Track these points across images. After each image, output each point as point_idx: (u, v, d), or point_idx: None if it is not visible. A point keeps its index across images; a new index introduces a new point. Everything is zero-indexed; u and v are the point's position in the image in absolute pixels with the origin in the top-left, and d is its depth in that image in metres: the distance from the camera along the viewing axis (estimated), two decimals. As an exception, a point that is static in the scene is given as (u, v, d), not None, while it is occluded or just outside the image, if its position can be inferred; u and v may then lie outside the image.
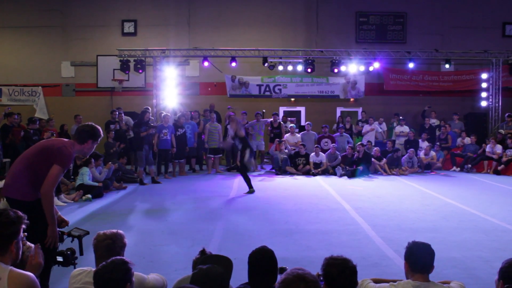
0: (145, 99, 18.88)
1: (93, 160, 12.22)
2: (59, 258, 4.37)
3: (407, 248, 3.83)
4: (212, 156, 16.72)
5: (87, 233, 4.75)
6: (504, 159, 16.86)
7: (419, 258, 3.74)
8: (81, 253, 4.63)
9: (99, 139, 5.28)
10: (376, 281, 4.14)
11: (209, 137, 16.57)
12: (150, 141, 14.27)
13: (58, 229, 4.82)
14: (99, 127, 5.21)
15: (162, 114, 15.52)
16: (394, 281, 3.93)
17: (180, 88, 19.25)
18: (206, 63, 18.60)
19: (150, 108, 15.54)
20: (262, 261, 3.78)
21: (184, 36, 20.50)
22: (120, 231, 4.02)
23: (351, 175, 15.69)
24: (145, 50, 18.66)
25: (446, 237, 8.30)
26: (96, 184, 12.05)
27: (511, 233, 8.61)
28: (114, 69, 19.50)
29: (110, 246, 3.81)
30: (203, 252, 4.09)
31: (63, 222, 5.12)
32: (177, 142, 15.41)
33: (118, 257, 3.30)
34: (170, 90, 18.72)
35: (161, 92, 18.67)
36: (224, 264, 3.64)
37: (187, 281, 3.47)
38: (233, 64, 18.51)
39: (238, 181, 14.61)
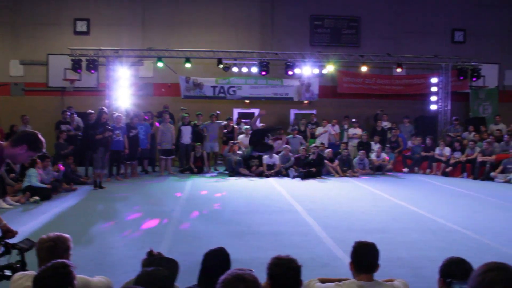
0: (97, 99, 18.54)
1: (39, 161, 11.92)
2: (7, 272, 4.07)
3: (352, 248, 3.88)
4: (164, 157, 16.56)
5: (33, 245, 4.34)
6: (452, 161, 17.31)
7: (363, 257, 3.79)
8: (23, 268, 4.23)
9: (37, 152, 4.59)
10: (323, 281, 4.17)
11: (161, 138, 16.42)
12: (106, 144, 13.72)
13: (5, 240, 4.43)
14: (43, 140, 4.52)
15: (115, 115, 15.28)
16: (340, 280, 3.97)
17: (134, 88, 18.98)
18: (160, 64, 18.44)
19: (105, 109, 15.17)
20: (217, 262, 3.77)
21: (138, 36, 20.28)
22: (65, 234, 3.92)
23: (304, 176, 15.80)
24: (98, 50, 18.35)
25: (395, 237, 8.45)
26: (45, 186, 11.77)
27: (457, 233, 8.84)
28: (65, 69, 19.05)
29: (51, 249, 3.71)
30: (150, 253, 4.03)
31: (9, 232, 4.45)
32: (130, 143, 15.21)
33: (59, 260, 3.21)
34: (123, 90, 18.47)
35: (114, 93, 18.37)
36: (169, 266, 3.61)
37: (133, 283, 3.42)
38: (188, 65, 18.40)
39: (190, 183, 14.53)
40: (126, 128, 15.15)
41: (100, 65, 18.66)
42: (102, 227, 9.08)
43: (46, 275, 3.00)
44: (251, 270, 2.65)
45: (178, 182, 14.94)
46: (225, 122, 17.89)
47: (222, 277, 2.46)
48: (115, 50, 18.48)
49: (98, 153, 13.34)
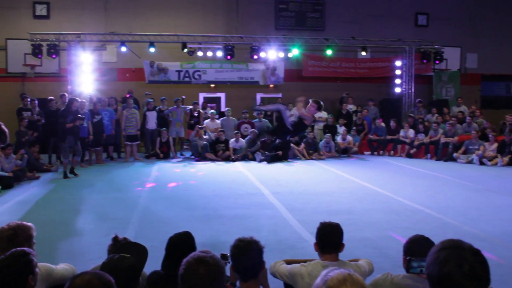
0: (59, 85, 18.14)
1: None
2: None
3: (317, 229, 3.91)
4: (130, 143, 16.37)
5: None
6: (416, 143, 17.58)
7: (327, 238, 3.82)
8: None
9: (1, 143, 4.45)
10: (289, 262, 4.19)
11: (126, 123, 16.23)
12: (77, 132, 13.21)
13: None
14: (7, 131, 4.38)
15: (78, 101, 14.98)
16: (305, 261, 4.00)
17: (97, 74, 18.64)
18: (123, 48, 18.17)
19: (66, 95, 14.83)
20: (181, 246, 3.74)
21: (101, 20, 19.86)
22: (27, 223, 3.84)
23: (271, 160, 15.85)
24: (59, 34, 17.93)
25: (360, 218, 8.57)
26: (6, 174, 11.52)
27: (421, 212, 9.01)
28: (25, 54, 18.55)
29: (11, 238, 3.63)
30: (115, 239, 3.98)
31: None
32: (94, 129, 14.99)
33: (19, 248, 3.15)
34: (86, 76, 18.11)
35: (76, 78, 18.00)
36: (137, 253, 3.56)
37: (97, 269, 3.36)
38: (152, 49, 18.18)
39: (156, 168, 14.42)
40: (89, 114, 14.91)
41: (62, 50, 18.25)
42: (67, 215, 8.93)
43: (5, 264, 2.94)
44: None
45: (144, 168, 14.81)
46: (190, 107, 17.76)
47: (184, 259, 2.44)
48: (77, 35, 18.09)
49: (66, 142, 12.85)
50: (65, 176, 12.78)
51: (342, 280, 1.83)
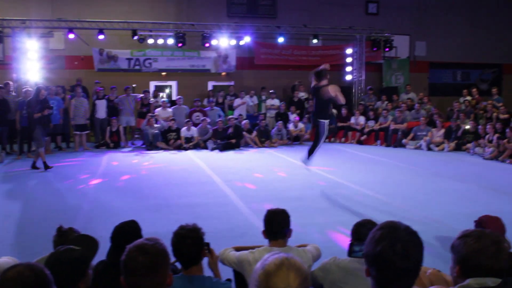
0: (4, 73, 17.55)
1: None
2: None
3: (264, 216, 3.91)
4: (79, 132, 16.02)
5: None
6: (366, 129, 17.86)
7: (274, 224, 3.83)
8: None
9: None
10: (238, 249, 4.19)
11: (75, 113, 15.86)
12: (45, 122, 12.70)
13: None
14: None
15: (24, 89, 14.55)
16: (253, 247, 4.01)
17: (44, 61, 18.08)
18: (71, 36, 17.69)
19: (10, 83, 14.29)
20: (127, 235, 3.67)
21: (47, 6, 19.22)
22: None
23: (223, 148, 15.80)
24: (2, 20, 17.32)
25: (310, 204, 8.66)
26: None
27: (370, 198, 9.17)
28: (-34, 41, 17.90)
29: None
30: (59, 229, 3.88)
31: None
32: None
33: None
34: (32, 63, 17.53)
35: (22, 66, 17.43)
36: (87, 244, 3.48)
37: (42, 262, 3.27)
38: (101, 36, 17.77)
39: (107, 158, 14.17)
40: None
41: (6, 36, 17.66)
42: (13, 207, 8.68)
43: None
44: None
45: (93, 157, 14.52)
46: (141, 95, 17.51)
47: (127, 247, 2.39)
48: (22, 21, 17.48)
49: (36, 132, 12.27)
50: (47, 166, 12.20)
51: (279, 264, 1.83)
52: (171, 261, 2.96)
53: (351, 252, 3.37)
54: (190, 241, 3.18)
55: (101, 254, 3.72)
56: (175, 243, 3.17)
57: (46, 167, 12.13)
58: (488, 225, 3.52)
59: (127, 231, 3.65)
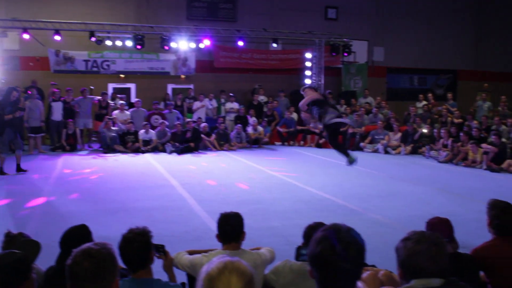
0: (-45, 74, 17.06)
1: None
2: None
3: (217, 221, 3.89)
4: (33, 135, 15.65)
5: None
6: (325, 133, 17.98)
7: (227, 228, 3.82)
8: None
9: None
10: (191, 252, 4.16)
11: (29, 115, 15.49)
12: (18, 124, 12.26)
13: None
14: None
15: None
16: (207, 251, 3.99)
17: (-3, 62, 17.65)
18: (26, 36, 17.27)
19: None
20: (75, 239, 3.59)
21: (1, 5, 18.75)
22: None
23: (181, 151, 15.69)
24: (-47, 19, 16.85)
25: (268, 207, 8.67)
26: None
27: (327, 200, 9.25)
28: None
29: None
30: (7, 234, 3.79)
31: None
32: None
33: None
34: (-15, 64, 17.10)
35: (-26, 67, 16.97)
36: (28, 248, 3.41)
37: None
38: (57, 37, 17.41)
39: (62, 161, 13.90)
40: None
41: (-43, 36, 17.16)
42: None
43: None
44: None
45: (48, 160, 14.21)
46: (98, 98, 17.24)
47: (73, 251, 2.33)
48: (-26, 20, 17.05)
49: (4, 135, 11.77)
50: (2, 173, 11.77)
51: (222, 268, 1.82)
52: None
53: (298, 256, 3.39)
54: (136, 244, 3.13)
55: (53, 260, 3.66)
56: (121, 246, 3.12)
57: (2, 173, 11.78)
58: (437, 226, 3.59)
59: (76, 235, 3.57)
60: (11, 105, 11.90)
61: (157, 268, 3.73)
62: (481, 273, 3.80)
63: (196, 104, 18.54)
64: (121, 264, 2.78)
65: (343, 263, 1.96)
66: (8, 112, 11.74)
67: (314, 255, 2.01)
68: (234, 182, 11.04)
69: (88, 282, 2.22)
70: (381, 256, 6.02)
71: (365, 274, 3.25)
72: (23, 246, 3.49)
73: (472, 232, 7.07)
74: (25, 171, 12.02)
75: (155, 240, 3.45)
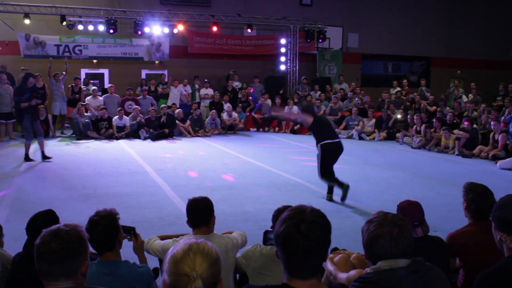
0: None
1: None
2: None
3: (186, 206, 3.88)
4: (4, 121, 15.34)
5: None
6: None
7: (196, 213, 3.81)
8: None
9: None
10: (163, 237, 4.14)
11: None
12: (34, 111, 11.72)
13: None
14: None
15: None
16: (178, 236, 3.97)
17: (-35, 46, 17.26)
18: (-5, 20, 16.93)
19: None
20: (42, 225, 3.52)
21: (-32, -12, 18.32)
22: None
23: (155, 138, 15.57)
24: None
25: (242, 193, 8.67)
26: None
27: (301, 186, 9.28)
28: None
29: None
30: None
31: None
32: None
33: None
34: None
35: None
36: None
37: None
38: (27, 21, 17.10)
39: (34, 148, 13.65)
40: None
41: None
42: None
43: None
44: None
45: (20, 147, 13.92)
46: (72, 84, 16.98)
47: (42, 232, 2.29)
48: None
49: (24, 122, 11.51)
50: (28, 159, 11.55)
51: (186, 249, 1.84)
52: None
53: (265, 240, 3.37)
54: (101, 227, 3.14)
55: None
56: (88, 229, 3.11)
57: (28, 159, 11.57)
58: (407, 209, 3.60)
59: (42, 220, 3.50)
60: (28, 91, 11.50)
61: (129, 250, 3.71)
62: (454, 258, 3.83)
63: (173, 90, 18.31)
64: (90, 248, 2.75)
65: (305, 242, 1.97)
66: (25, 100, 11.38)
67: (279, 234, 2.02)
68: (208, 168, 11.00)
69: (54, 262, 2.19)
70: (354, 239, 6.07)
71: (336, 258, 3.27)
72: None
73: (444, 216, 7.19)
74: (49, 158, 11.75)
75: (127, 223, 3.42)
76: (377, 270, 2.36)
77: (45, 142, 12.12)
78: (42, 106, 15.52)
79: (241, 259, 3.82)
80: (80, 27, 18.40)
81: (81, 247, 2.30)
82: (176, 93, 18.32)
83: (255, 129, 18.62)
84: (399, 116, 16.62)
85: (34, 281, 2.56)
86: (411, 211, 3.57)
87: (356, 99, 18.29)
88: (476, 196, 3.73)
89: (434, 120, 14.87)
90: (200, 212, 3.79)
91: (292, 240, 1.97)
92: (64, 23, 17.58)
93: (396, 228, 2.35)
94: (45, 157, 11.74)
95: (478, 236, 3.65)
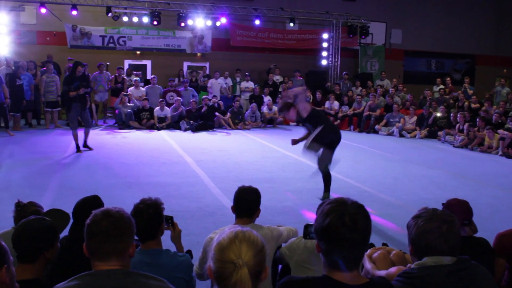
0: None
1: None
2: None
3: (235, 193, 3.88)
4: (50, 109, 15.74)
5: None
6: (340, 114, 17.93)
7: (243, 202, 3.80)
8: None
9: None
10: None
11: (46, 89, 15.58)
12: (83, 100, 11.66)
13: None
14: None
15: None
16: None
17: (14, 36, 17.70)
18: (43, 10, 17.28)
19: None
20: (88, 209, 3.61)
21: (18, -22, 18.79)
22: None
23: (196, 129, 15.72)
24: (-30, -8, 16.87)
25: (281, 186, 8.70)
26: None
27: (340, 181, 9.24)
28: None
29: None
30: (18, 204, 3.83)
31: None
32: (13, 94, 14.29)
33: None
34: (2, 38, 17.12)
35: (-8, 40, 17.01)
36: (58, 217, 3.48)
37: (6, 236, 3.23)
38: (74, 12, 17.43)
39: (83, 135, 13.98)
40: (1, 77, 14.08)
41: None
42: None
43: None
44: None
45: (64, 135, 14.27)
46: (115, 75, 17.25)
47: (92, 212, 2.36)
48: (-8, -7, 17.06)
49: (72, 111, 11.52)
50: (78, 150, 11.60)
51: (233, 237, 1.87)
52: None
53: (306, 234, 3.35)
54: (146, 216, 3.16)
55: (66, 231, 3.70)
56: (132, 215, 3.14)
57: (78, 150, 11.62)
58: (455, 207, 3.56)
59: (88, 205, 3.58)
60: (77, 80, 11.45)
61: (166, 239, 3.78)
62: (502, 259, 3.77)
63: (211, 82, 18.43)
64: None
65: (351, 234, 2.00)
66: (74, 89, 11.36)
67: (322, 227, 2.05)
68: (247, 160, 11.06)
69: (105, 240, 2.24)
70: (395, 237, 6.04)
71: (376, 254, 3.25)
72: (54, 215, 3.55)
73: (486, 217, 7.06)
74: (90, 149, 11.88)
75: (166, 213, 3.49)
76: (422, 266, 2.35)
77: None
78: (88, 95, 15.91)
79: (285, 250, 3.84)
80: (125, 18, 18.68)
81: (130, 228, 2.35)
82: (217, 86, 18.41)
83: (294, 123, 18.57)
84: (438, 114, 16.34)
85: (81, 264, 2.62)
86: (458, 210, 3.53)
87: (387, 97, 17.99)
88: None
89: (478, 119, 14.56)
90: (247, 202, 3.80)
91: (337, 233, 2.00)
92: (110, 14, 17.87)
93: (446, 224, 2.34)
94: (86, 146, 11.89)
95: None
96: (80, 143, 11.70)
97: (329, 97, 18.54)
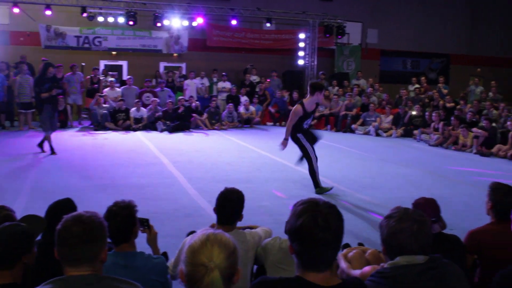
0: None
1: None
2: None
3: (219, 195, 3.79)
4: (23, 111, 15.51)
5: None
6: (316, 114, 17.95)
7: (224, 211, 3.73)
8: None
9: None
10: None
11: (19, 90, 15.35)
12: (55, 101, 11.52)
13: None
14: None
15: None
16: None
17: (-14, 36, 17.43)
18: (16, 10, 17.00)
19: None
20: (61, 213, 3.56)
21: (-9, -22, 18.49)
22: None
23: (172, 130, 15.64)
24: None
25: (258, 187, 8.67)
26: None
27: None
28: None
29: None
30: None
31: None
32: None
33: None
34: (-26, 38, 16.86)
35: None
36: (33, 222, 3.41)
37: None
38: (48, 12, 17.19)
39: (52, 138, 13.79)
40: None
41: None
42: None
43: None
44: None
45: (38, 137, 14.06)
46: (90, 75, 17.07)
47: (63, 217, 2.31)
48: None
49: (44, 113, 11.20)
50: (53, 152, 11.34)
51: (204, 240, 1.85)
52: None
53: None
54: (119, 218, 3.12)
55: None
56: (105, 218, 3.10)
57: (53, 152, 11.38)
58: (423, 206, 3.58)
59: (61, 209, 3.53)
60: (48, 82, 11.20)
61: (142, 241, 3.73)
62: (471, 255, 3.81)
63: (187, 83, 18.36)
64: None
65: (324, 234, 1.99)
66: (45, 90, 11.10)
67: (295, 228, 2.05)
68: (224, 161, 11.03)
69: (75, 247, 2.21)
70: (371, 237, 6.07)
71: (351, 253, 3.26)
72: (29, 221, 3.44)
73: (460, 214, 7.14)
74: (43, 151, 11.54)
75: (142, 215, 3.44)
76: (395, 265, 2.36)
77: (61, 133, 12.15)
78: (62, 96, 15.71)
79: (260, 251, 3.82)
80: (100, 18, 18.48)
81: (102, 233, 2.32)
82: (193, 86, 18.34)
83: (271, 123, 18.61)
84: (414, 112, 16.49)
85: (54, 269, 2.57)
86: (426, 208, 3.55)
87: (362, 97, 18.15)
88: (502, 197, 3.71)
89: (452, 118, 14.74)
90: (229, 212, 3.73)
91: (310, 233, 2.00)
92: (85, 14, 17.67)
93: (416, 224, 2.36)
94: (40, 147, 11.57)
95: (500, 235, 3.63)
96: (47, 145, 11.51)
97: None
